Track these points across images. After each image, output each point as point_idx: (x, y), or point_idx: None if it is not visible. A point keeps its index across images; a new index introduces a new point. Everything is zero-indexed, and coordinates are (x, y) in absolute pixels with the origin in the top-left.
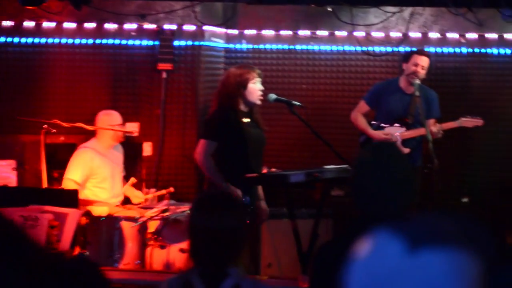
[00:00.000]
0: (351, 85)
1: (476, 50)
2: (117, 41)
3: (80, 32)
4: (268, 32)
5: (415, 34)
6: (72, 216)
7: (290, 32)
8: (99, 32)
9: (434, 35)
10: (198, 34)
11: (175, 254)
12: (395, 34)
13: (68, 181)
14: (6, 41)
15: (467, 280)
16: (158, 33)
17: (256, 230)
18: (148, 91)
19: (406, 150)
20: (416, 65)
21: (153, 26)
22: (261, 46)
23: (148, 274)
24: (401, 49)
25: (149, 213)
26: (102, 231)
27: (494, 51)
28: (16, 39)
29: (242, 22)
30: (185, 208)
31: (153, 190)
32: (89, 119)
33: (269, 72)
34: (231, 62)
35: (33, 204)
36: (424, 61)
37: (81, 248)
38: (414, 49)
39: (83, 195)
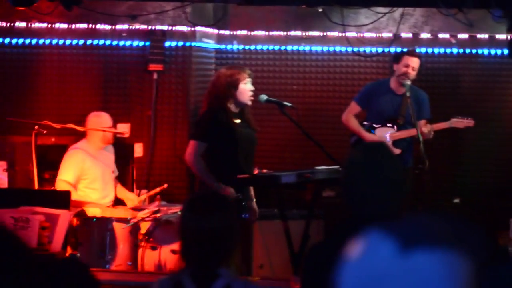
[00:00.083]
0: (342, 86)
1: (467, 50)
2: (107, 42)
3: (70, 32)
4: (259, 33)
5: (405, 35)
6: (64, 217)
7: (281, 33)
8: (90, 32)
9: (424, 35)
10: (189, 35)
11: (166, 255)
12: (386, 35)
13: (61, 182)
14: None
15: (459, 281)
16: (149, 34)
17: (248, 231)
18: (139, 92)
19: (397, 151)
20: (406, 66)
21: (144, 27)
22: (252, 47)
23: (140, 275)
24: (392, 49)
25: (141, 214)
26: (94, 232)
27: (485, 51)
28: (6, 40)
29: (233, 23)
30: (176, 209)
31: (144, 191)
32: (80, 120)
33: (260, 73)
34: (222, 63)
35: (24, 206)
36: (414, 62)
37: (73, 249)
38: (405, 50)
39: (74, 196)
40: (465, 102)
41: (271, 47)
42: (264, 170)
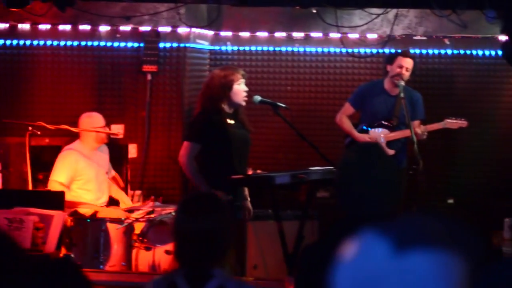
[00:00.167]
0: (336, 87)
1: (461, 51)
2: (101, 43)
3: (64, 34)
4: (253, 34)
5: (399, 36)
6: (58, 218)
7: (275, 34)
8: (84, 34)
9: (418, 36)
10: (183, 36)
11: (160, 255)
12: (380, 36)
13: (53, 182)
14: None
15: (453, 281)
16: (143, 35)
17: (242, 232)
18: (133, 93)
19: (391, 152)
20: (400, 67)
21: (138, 28)
22: (246, 48)
23: (134, 276)
24: (386, 50)
25: (135, 215)
26: (88, 233)
27: (479, 52)
28: (0, 41)
29: (227, 24)
30: (170, 209)
31: (138, 192)
32: (74, 121)
33: (254, 74)
34: (216, 64)
35: (18, 206)
36: (408, 63)
37: (67, 250)
38: (399, 50)
39: (68, 196)
40: (459, 103)
41: (265, 48)
42: (258, 171)
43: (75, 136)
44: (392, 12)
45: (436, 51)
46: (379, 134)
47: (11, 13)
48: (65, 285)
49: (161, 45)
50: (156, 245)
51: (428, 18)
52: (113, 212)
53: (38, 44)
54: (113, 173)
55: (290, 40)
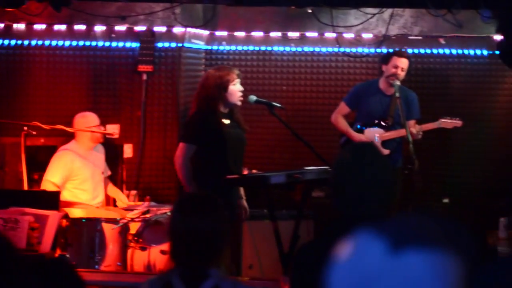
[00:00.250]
0: (331, 86)
1: (456, 51)
2: (97, 43)
3: (60, 34)
4: (248, 34)
5: (395, 36)
6: (53, 218)
7: (270, 34)
8: (79, 34)
9: (414, 36)
10: (179, 36)
11: (156, 255)
12: (376, 36)
13: (47, 182)
14: None
15: (449, 281)
16: (138, 35)
17: (237, 231)
18: (128, 93)
19: (386, 152)
20: (395, 67)
21: (133, 28)
22: (242, 48)
23: (129, 276)
24: (383, 50)
25: (130, 214)
26: (83, 233)
27: (476, 52)
28: None
29: (222, 24)
30: (166, 209)
31: (133, 192)
32: (69, 121)
33: (249, 73)
34: (211, 64)
35: (13, 206)
36: (403, 62)
37: (62, 250)
38: (393, 50)
39: (63, 196)
40: (454, 103)
41: (261, 48)
42: (254, 171)
43: (70, 136)
44: (388, 12)
45: (431, 51)
46: (374, 133)
47: (6, 13)
48: (60, 285)
49: (157, 45)
50: (152, 245)
51: (423, 18)
52: (108, 212)
53: (33, 44)
54: (109, 172)
55: (285, 40)
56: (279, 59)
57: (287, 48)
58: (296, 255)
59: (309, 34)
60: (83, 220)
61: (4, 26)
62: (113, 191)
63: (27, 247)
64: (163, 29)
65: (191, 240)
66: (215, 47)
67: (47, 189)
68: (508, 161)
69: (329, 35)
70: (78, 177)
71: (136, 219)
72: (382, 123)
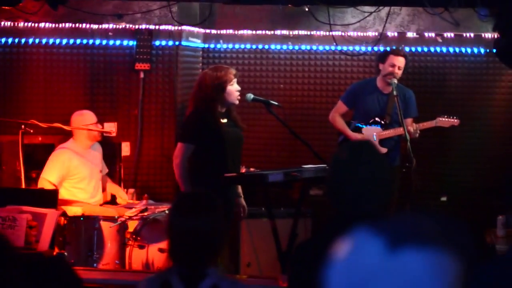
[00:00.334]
0: (328, 85)
1: (454, 49)
2: (94, 41)
3: (57, 32)
4: (246, 32)
5: (392, 34)
6: (51, 216)
7: (267, 32)
8: (76, 32)
9: (411, 34)
10: (176, 34)
11: (154, 253)
12: (372, 34)
13: (43, 181)
14: None
15: (447, 279)
16: (135, 33)
17: (236, 230)
18: (125, 91)
19: (384, 150)
20: (392, 65)
21: (130, 26)
22: (239, 46)
23: (127, 274)
24: (380, 48)
25: (128, 213)
26: (81, 231)
27: (473, 50)
28: None
29: (219, 22)
30: (164, 208)
31: (131, 190)
32: (66, 120)
33: (246, 72)
34: (208, 62)
35: (11, 205)
36: (400, 61)
37: (60, 249)
38: (391, 48)
39: (61, 195)
40: (451, 101)
41: (257, 46)
42: (252, 169)
43: (68, 134)
44: (385, 10)
45: (428, 49)
46: (372, 132)
47: (3, 11)
48: (58, 283)
49: (154, 43)
50: (150, 243)
51: (420, 16)
52: (106, 210)
53: (30, 42)
54: (106, 170)
55: (282, 38)
56: (276, 57)
57: (284, 47)
58: (294, 253)
59: (306, 32)
60: (81, 218)
61: (1, 24)
62: (113, 188)
63: (25, 245)
64: (160, 27)
65: (189, 239)
66: (212, 45)
67: (44, 187)
68: (505, 159)
69: (326, 33)
70: (76, 176)
71: (134, 217)
72: (380, 122)
